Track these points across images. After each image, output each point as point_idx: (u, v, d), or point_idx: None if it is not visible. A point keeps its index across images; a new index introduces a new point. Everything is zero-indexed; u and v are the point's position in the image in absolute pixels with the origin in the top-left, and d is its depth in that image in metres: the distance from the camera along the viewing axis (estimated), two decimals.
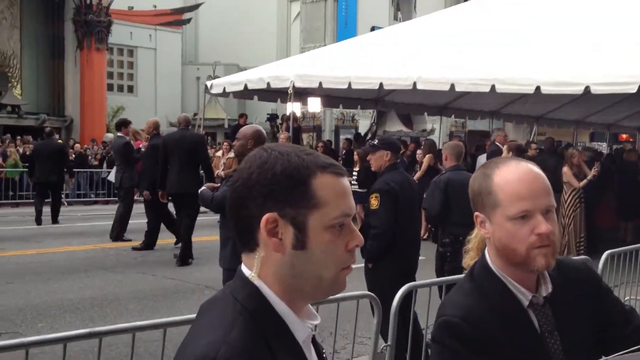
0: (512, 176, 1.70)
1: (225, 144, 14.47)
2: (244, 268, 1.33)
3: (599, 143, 23.95)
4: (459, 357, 1.65)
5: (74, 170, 17.52)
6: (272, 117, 21.08)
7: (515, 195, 1.67)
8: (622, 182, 12.98)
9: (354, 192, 10.97)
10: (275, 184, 1.27)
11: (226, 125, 26.72)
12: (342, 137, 22.45)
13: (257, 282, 1.30)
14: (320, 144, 15.55)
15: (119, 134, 11.73)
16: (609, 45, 9.85)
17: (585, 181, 10.70)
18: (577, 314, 1.76)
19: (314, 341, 1.40)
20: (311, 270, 1.29)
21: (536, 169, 1.73)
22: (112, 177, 13.16)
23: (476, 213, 1.77)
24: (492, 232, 1.72)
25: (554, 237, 1.66)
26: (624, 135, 24.19)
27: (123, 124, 11.84)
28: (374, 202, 5.14)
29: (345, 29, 26.49)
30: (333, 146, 18.25)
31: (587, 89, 9.26)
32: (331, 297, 3.79)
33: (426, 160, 12.54)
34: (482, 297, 1.71)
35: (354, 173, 13.35)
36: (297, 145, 1.40)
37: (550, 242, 1.67)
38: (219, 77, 18.85)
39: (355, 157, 13.44)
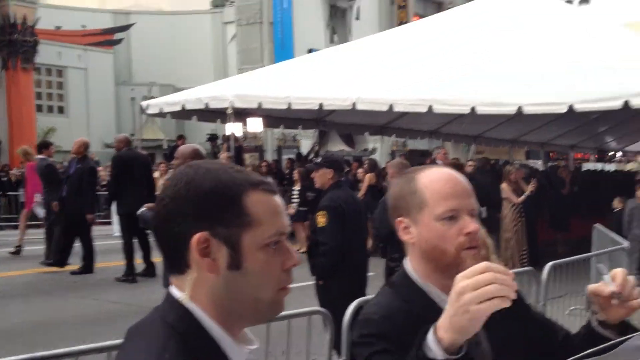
0: (437, 176, 1.68)
1: (162, 165, 14.23)
2: (174, 290, 1.24)
3: (535, 160, 24.67)
4: (381, 351, 1.57)
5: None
6: (213, 138, 20.85)
7: (442, 194, 1.64)
8: (555, 197, 13.40)
9: (297, 211, 10.98)
10: (205, 201, 1.21)
11: (165, 146, 26.35)
12: (284, 156, 22.41)
13: (189, 305, 1.22)
14: (263, 164, 15.48)
15: (40, 156, 11.37)
16: (541, 66, 10.18)
17: (523, 197, 10.98)
18: (500, 326, 1.63)
19: None
20: (247, 292, 1.22)
21: (457, 173, 1.72)
22: (39, 212, 12.45)
23: (399, 219, 1.70)
24: (419, 236, 1.66)
25: (480, 239, 1.66)
26: (551, 154, 25.12)
27: (44, 146, 11.57)
28: (322, 220, 5.16)
29: (282, 51, 26.60)
30: (276, 166, 18.19)
31: (519, 109, 9.53)
32: (282, 314, 3.71)
33: (367, 179, 12.62)
34: (404, 303, 1.66)
35: (294, 192, 13.33)
36: (231, 164, 1.33)
37: (478, 243, 1.65)
38: (154, 97, 18.57)
39: (296, 176, 13.42)
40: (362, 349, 1.60)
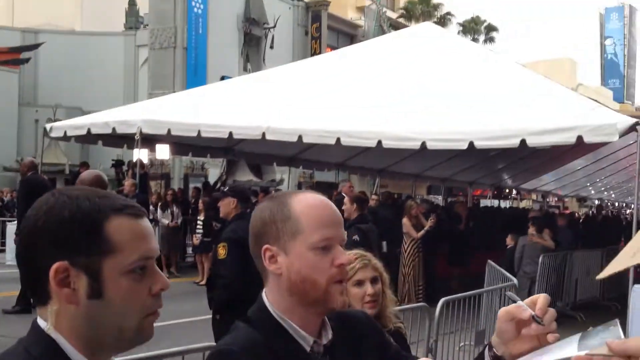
0: (313, 202, 1.59)
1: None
2: (39, 320, 1.22)
3: (436, 196, 25.46)
4: None
5: None
6: (118, 164, 20.32)
7: (319, 221, 1.55)
8: (452, 232, 13.83)
9: (201, 242, 10.80)
10: (64, 230, 1.18)
11: (67, 171, 25.44)
12: (191, 185, 22.14)
13: (54, 335, 1.20)
14: (169, 192, 15.25)
15: None
16: (445, 103, 10.60)
17: (422, 232, 11.31)
18: (359, 355, 1.66)
19: None
20: (111, 321, 1.21)
21: (328, 200, 1.65)
22: None
23: (265, 247, 1.57)
24: (289, 266, 1.55)
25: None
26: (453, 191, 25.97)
27: None
28: (222, 252, 5.09)
29: (195, 77, 26.41)
30: (182, 195, 17.95)
31: (423, 144, 9.89)
32: (176, 350, 3.66)
33: None
34: (262, 338, 1.55)
35: (199, 222, 13.21)
36: (94, 188, 1.33)
37: (347, 277, 1.60)
38: (60, 120, 17.99)
39: (201, 205, 13.31)
40: None
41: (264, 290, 1.64)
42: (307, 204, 1.59)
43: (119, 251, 1.20)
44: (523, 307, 1.35)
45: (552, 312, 1.35)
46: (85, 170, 14.88)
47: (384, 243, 11.33)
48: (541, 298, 1.36)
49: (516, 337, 1.37)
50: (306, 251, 1.54)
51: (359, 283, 2.86)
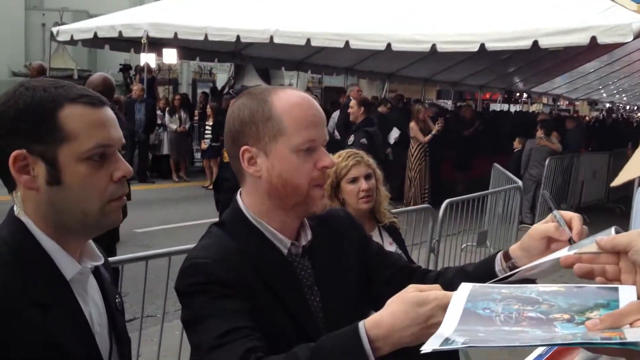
0: (295, 100, 1.49)
1: None
2: (14, 206, 1.33)
3: (445, 100, 25.24)
4: (221, 297, 1.40)
5: None
6: (125, 68, 20.22)
7: (302, 122, 1.47)
8: (459, 137, 13.81)
9: (209, 147, 10.84)
10: (19, 120, 1.25)
11: (75, 76, 25.30)
12: (199, 90, 22.05)
13: (24, 219, 1.30)
14: (177, 97, 15.22)
15: None
16: (455, 5, 10.36)
17: (429, 136, 11.30)
18: (338, 266, 1.63)
19: (100, 281, 1.44)
20: (72, 206, 1.29)
21: (312, 98, 1.55)
22: None
23: (244, 147, 1.49)
24: (269, 168, 1.48)
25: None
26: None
27: None
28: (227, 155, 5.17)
29: None
30: (191, 100, 17.91)
31: (433, 46, 9.73)
32: (162, 252, 3.67)
33: None
34: (236, 243, 1.50)
35: (207, 127, 13.25)
36: (56, 79, 1.38)
37: (325, 181, 1.55)
38: (66, 23, 17.74)
39: (209, 110, 13.31)
40: (196, 298, 1.43)
41: (239, 192, 1.59)
42: (290, 102, 1.48)
43: (74, 139, 1.27)
44: (562, 229, 1.36)
45: (586, 231, 1.35)
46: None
47: (389, 151, 11.41)
48: (576, 220, 1.35)
49: (544, 253, 1.38)
50: (289, 153, 1.47)
51: (354, 180, 2.94)
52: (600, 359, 1.37)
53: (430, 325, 1.14)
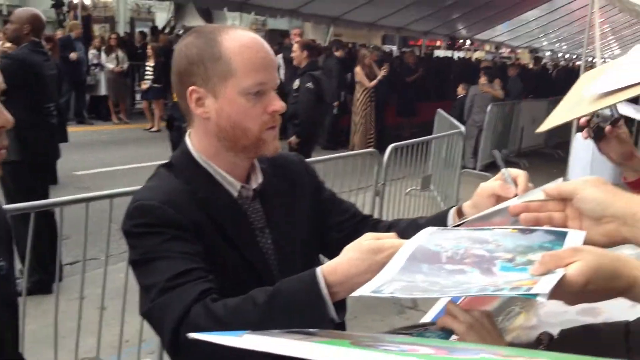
0: (246, 41, 1.44)
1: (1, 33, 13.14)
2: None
3: (390, 46, 25.19)
4: (171, 239, 1.38)
5: None
6: (58, 4, 19.33)
7: (253, 64, 1.42)
8: (403, 83, 13.88)
9: (150, 88, 10.56)
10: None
11: (5, 12, 24.12)
12: (137, 29, 21.35)
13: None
14: (113, 36, 14.67)
15: None
16: None
17: (375, 81, 11.31)
18: (290, 209, 1.62)
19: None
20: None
21: (262, 39, 1.49)
22: None
23: (192, 88, 1.45)
24: (218, 110, 1.45)
25: (280, 120, 1.51)
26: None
27: None
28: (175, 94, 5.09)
29: None
30: (129, 39, 17.30)
31: None
32: (104, 194, 3.59)
33: None
34: (185, 185, 1.48)
35: (148, 68, 12.88)
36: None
37: (277, 123, 1.51)
38: None
39: (149, 51, 12.92)
40: (146, 239, 1.40)
41: (188, 133, 1.56)
42: (240, 43, 1.43)
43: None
44: (507, 186, 1.38)
45: (530, 188, 1.37)
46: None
47: (342, 93, 11.36)
48: (522, 177, 1.38)
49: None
50: (238, 96, 1.43)
51: None
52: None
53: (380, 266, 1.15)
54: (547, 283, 0.93)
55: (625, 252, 1.38)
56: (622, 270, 0.99)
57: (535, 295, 0.91)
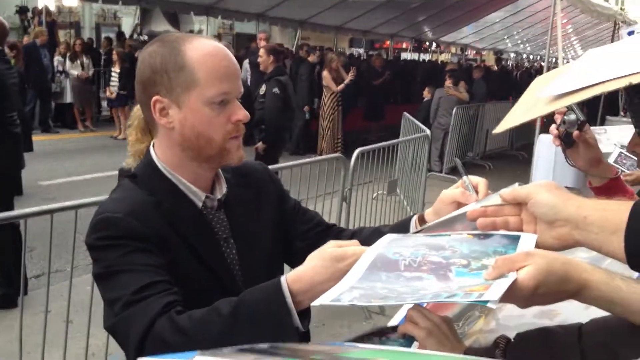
0: (209, 50, 1.44)
1: None
2: None
3: (357, 49, 25.29)
4: (135, 251, 1.38)
5: None
6: (22, 10, 19.10)
7: (216, 73, 1.43)
8: (370, 86, 13.92)
9: (117, 95, 10.41)
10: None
11: None
12: (103, 35, 21.13)
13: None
14: (78, 42, 14.49)
15: None
16: None
17: (342, 85, 11.35)
18: (255, 219, 1.64)
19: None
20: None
21: (226, 48, 1.50)
22: None
23: (156, 98, 1.44)
24: (182, 120, 1.45)
25: (244, 129, 1.52)
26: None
27: None
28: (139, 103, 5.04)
29: None
30: (95, 45, 17.11)
31: None
32: (69, 204, 3.59)
33: None
34: (150, 197, 1.48)
35: (113, 74, 12.75)
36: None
37: (241, 132, 1.51)
38: None
39: (115, 57, 12.79)
40: (109, 252, 1.39)
41: (151, 143, 1.56)
42: (203, 52, 1.43)
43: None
44: (468, 194, 1.41)
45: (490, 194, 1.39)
46: None
47: (316, 100, 11.36)
48: (482, 185, 1.41)
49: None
50: (202, 106, 1.43)
51: None
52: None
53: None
54: (498, 289, 0.96)
55: (580, 255, 1.43)
56: (572, 273, 1.02)
57: (486, 302, 0.94)
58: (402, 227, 1.58)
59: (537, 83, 1.79)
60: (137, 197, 1.47)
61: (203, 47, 1.44)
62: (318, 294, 1.14)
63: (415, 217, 1.58)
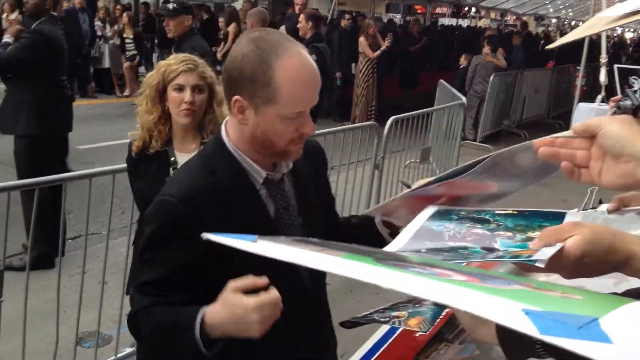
0: (298, 74, 1.50)
1: (6, 4, 13.04)
2: None
3: (394, 14, 24.93)
4: (168, 241, 1.56)
5: None
6: None
7: (298, 98, 1.51)
8: (406, 53, 13.77)
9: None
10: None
11: None
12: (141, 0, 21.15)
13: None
14: (118, 7, 14.53)
15: None
16: None
17: (378, 52, 11.22)
18: (314, 188, 1.78)
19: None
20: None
21: (313, 63, 1.55)
22: None
23: (237, 97, 1.53)
24: (254, 123, 1.55)
25: (306, 136, 1.59)
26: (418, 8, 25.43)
27: None
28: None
29: None
30: (133, 10, 17.17)
31: None
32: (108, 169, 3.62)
33: (232, 30, 12.30)
34: (210, 176, 1.59)
35: (127, 40, 12.68)
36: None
37: (305, 138, 1.60)
38: None
39: (125, 19, 12.79)
40: (152, 233, 1.59)
41: (225, 121, 1.67)
42: (292, 74, 1.49)
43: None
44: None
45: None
46: None
47: (353, 65, 11.27)
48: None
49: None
50: (276, 119, 1.52)
51: (179, 88, 2.64)
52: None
53: (247, 322, 1.39)
54: (546, 252, 0.96)
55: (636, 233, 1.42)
56: (619, 244, 1.00)
57: (535, 261, 0.94)
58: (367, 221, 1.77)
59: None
60: (197, 179, 1.59)
61: (292, 68, 1.50)
62: (225, 333, 1.44)
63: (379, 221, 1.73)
